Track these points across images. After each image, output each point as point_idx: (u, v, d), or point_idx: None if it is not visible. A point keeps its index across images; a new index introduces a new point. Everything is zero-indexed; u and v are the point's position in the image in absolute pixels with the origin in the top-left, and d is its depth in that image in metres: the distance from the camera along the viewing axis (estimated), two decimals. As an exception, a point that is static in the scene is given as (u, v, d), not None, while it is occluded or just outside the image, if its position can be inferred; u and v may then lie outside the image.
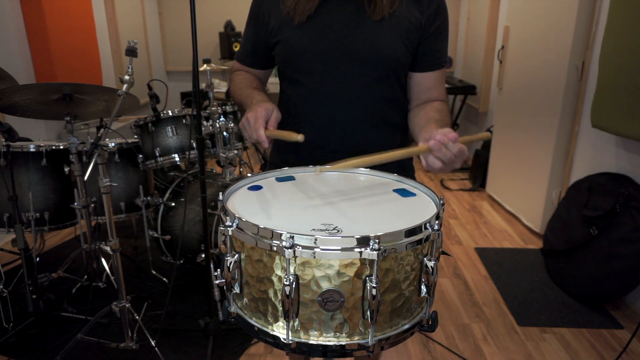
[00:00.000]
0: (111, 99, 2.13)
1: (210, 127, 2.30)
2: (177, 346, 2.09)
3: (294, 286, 0.76)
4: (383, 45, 1.16)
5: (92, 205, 2.36)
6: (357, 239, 0.74)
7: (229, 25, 5.20)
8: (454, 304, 2.47)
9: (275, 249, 0.77)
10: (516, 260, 2.92)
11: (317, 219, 0.86)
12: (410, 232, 0.79)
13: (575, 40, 2.76)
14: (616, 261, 2.31)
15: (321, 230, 0.81)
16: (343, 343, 0.80)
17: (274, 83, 1.29)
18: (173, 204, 2.50)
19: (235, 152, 2.38)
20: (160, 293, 2.50)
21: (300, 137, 1.02)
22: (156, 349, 1.97)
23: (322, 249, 0.75)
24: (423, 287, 0.85)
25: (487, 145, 4.11)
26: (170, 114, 2.38)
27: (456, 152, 0.93)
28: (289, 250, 0.74)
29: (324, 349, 0.80)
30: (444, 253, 0.91)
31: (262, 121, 1.06)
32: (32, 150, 2.27)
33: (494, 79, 4.22)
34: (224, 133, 2.36)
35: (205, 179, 1.90)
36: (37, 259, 2.57)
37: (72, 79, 3.47)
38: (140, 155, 2.41)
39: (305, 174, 1.13)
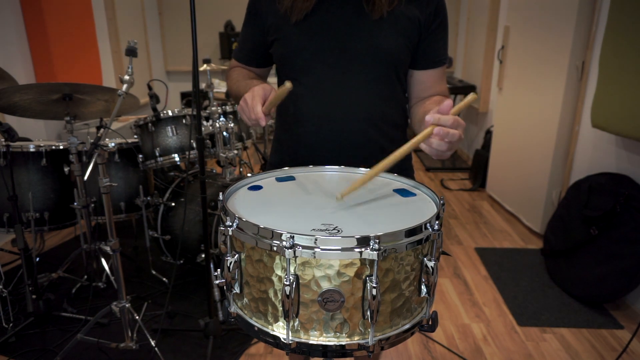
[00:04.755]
0: (111, 99, 2.13)
1: (210, 127, 2.30)
2: (177, 346, 2.09)
3: (294, 286, 0.76)
4: (382, 43, 1.16)
5: (92, 205, 2.36)
6: (357, 239, 0.74)
7: (229, 25, 5.21)
8: (454, 304, 2.47)
9: (275, 249, 0.77)
10: (516, 260, 2.92)
11: (317, 219, 0.86)
12: (411, 232, 0.79)
13: (575, 40, 2.77)
14: (616, 261, 2.31)
15: (321, 230, 0.81)
16: (343, 343, 0.80)
17: (274, 83, 1.29)
18: (173, 204, 2.50)
19: (235, 152, 2.37)
20: (160, 293, 2.50)
21: (288, 85, 0.98)
22: (156, 349, 1.97)
23: (322, 249, 0.75)
24: (423, 287, 0.85)
25: (487, 145, 4.11)
26: (170, 114, 2.37)
27: (452, 124, 0.89)
28: (289, 250, 0.74)
29: (324, 349, 0.80)
30: (444, 253, 0.91)
31: (259, 99, 1.03)
32: (32, 150, 2.27)
33: (494, 79, 4.22)
34: (224, 133, 2.36)
35: (205, 179, 1.90)
36: (37, 259, 2.57)
37: (72, 79, 3.47)
38: (140, 155, 2.41)
39: (305, 174, 1.13)
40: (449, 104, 0.90)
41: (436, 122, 0.89)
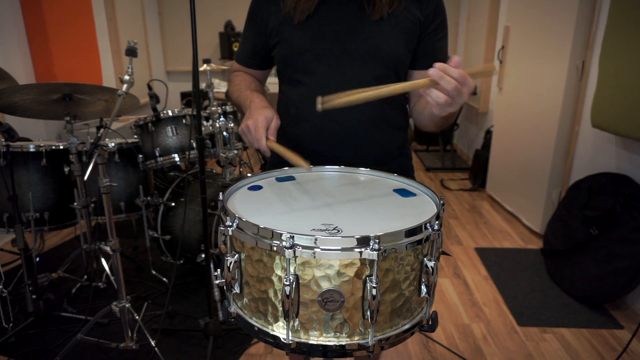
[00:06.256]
0: (111, 99, 2.13)
1: (210, 127, 2.30)
2: (177, 346, 2.09)
3: (294, 286, 0.76)
4: (382, 44, 1.17)
5: (92, 205, 2.36)
6: (357, 239, 0.74)
7: (229, 25, 5.20)
8: (454, 304, 2.47)
9: (275, 249, 0.77)
10: (516, 260, 2.92)
11: (317, 219, 0.86)
12: (411, 232, 0.79)
13: (575, 40, 2.76)
14: (616, 261, 2.31)
15: (321, 230, 0.81)
16: (343, 343, 0.80)
17: (274, 83, 1.29)
18: (173, 204, 2.50)
19: (235, 152, 2.37)
20: (160, 293, 2.50)
21: (307, 167, 0.99)
22: (156, 349, 1.97)
23: (322, 249, 0.75)
24: (423, 287, 0.85)
25: (487, 145, 4.11)
26: (170, 114, 2.37)
27: (457, 76, 0.83)
28: (289, 250, 0.74)
29: (324, 349, 0.80)
30: (444, 253, 0.91)
31: (262, 131, 1.06)
32: (32, 150, 2.27)
33: (494, 79, 4.22)
34: (224, 133, 2.36)
35: (205, 179, 1.90)
36: (37, 259, 2.57)
37: (72, 79, 3.47)
38: (140, 155, 2.41)
39: (305, 174, 1.13)
40: (458, 59, 0.85)
41: (442, 69, 0.84)
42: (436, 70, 0.84)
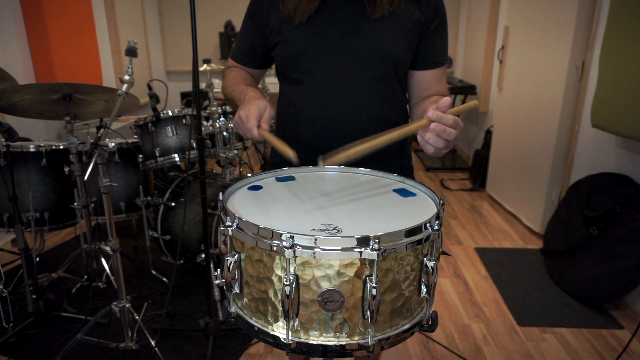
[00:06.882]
0: (111, 99, 2.13)
1: (210, 127, 2.30)
2: (177, 346, 2.09)
3: (294, 286, 0.76)
4: (383, 44, 1.17)
5: (92, 205, 2.36)
6: (357, 239, 0.74)
7: (229, 25, 5.21)
8: (454, 304, 2.47)
9: (275, 249, 0.77)
10: (516, 260, 2.92)
11: (317, 219, 0.86)
12: (410, 232, 0.79)
13: (575, 40, 2.76)
14: (616, 261, 2.31)
15: (321, 230, 0.81)
16: (343, 343, 0.80)
17: (274, 83, 1.29)
18: (173, 204, 2.50)
19: (235, 152, 2.37)
20: (160, 293, 2.50)
21: (293, 157, 0.99)
22: (156, 349, 1.97)
23: (322, 249, 0.75)
24: (423, 287, 0.85)
25: (487, 145, 4.11)
26: (170, 114, 2.37)
27: (451, 123, 0.91)
28: (289, 250, 0.74)
29: (324, 349, 0.80)
30: (444, 253, 0.91)
31: (254, 120, 1.06)
32: (32, 150, 2.27)
33: (494, 79, 4.22)
34: (224, 133, 2.36)
35: (205, 179, 1.90)
36: (37, 259, 2.57)
37: (72, 79, 3.47)
38: (140, 155, 2.41)
39: (305, 174, 1.13)
40: (448, 100, 0.91)
41: (438, 119, 0.90)
42: (437, 125, 0.91)
